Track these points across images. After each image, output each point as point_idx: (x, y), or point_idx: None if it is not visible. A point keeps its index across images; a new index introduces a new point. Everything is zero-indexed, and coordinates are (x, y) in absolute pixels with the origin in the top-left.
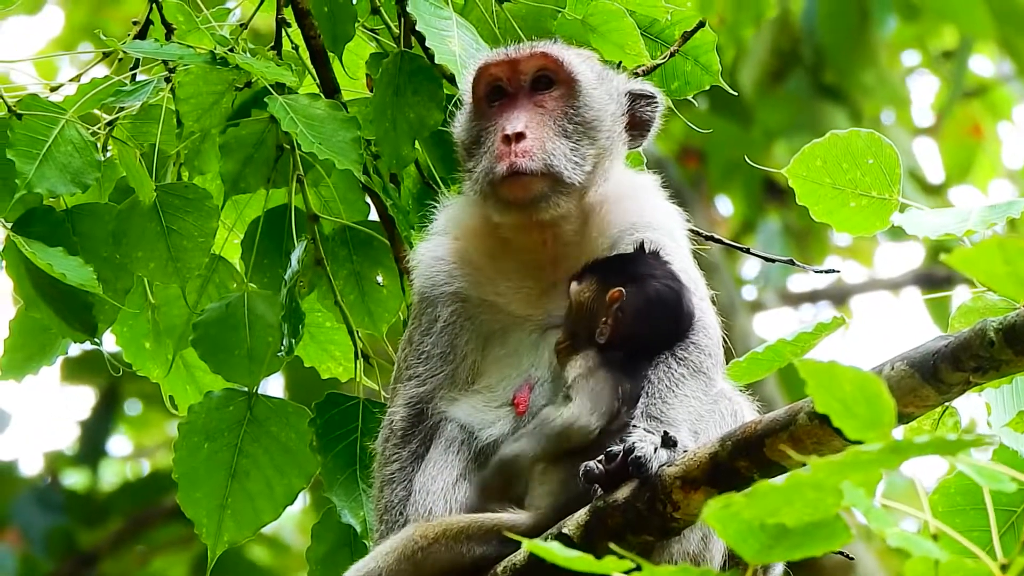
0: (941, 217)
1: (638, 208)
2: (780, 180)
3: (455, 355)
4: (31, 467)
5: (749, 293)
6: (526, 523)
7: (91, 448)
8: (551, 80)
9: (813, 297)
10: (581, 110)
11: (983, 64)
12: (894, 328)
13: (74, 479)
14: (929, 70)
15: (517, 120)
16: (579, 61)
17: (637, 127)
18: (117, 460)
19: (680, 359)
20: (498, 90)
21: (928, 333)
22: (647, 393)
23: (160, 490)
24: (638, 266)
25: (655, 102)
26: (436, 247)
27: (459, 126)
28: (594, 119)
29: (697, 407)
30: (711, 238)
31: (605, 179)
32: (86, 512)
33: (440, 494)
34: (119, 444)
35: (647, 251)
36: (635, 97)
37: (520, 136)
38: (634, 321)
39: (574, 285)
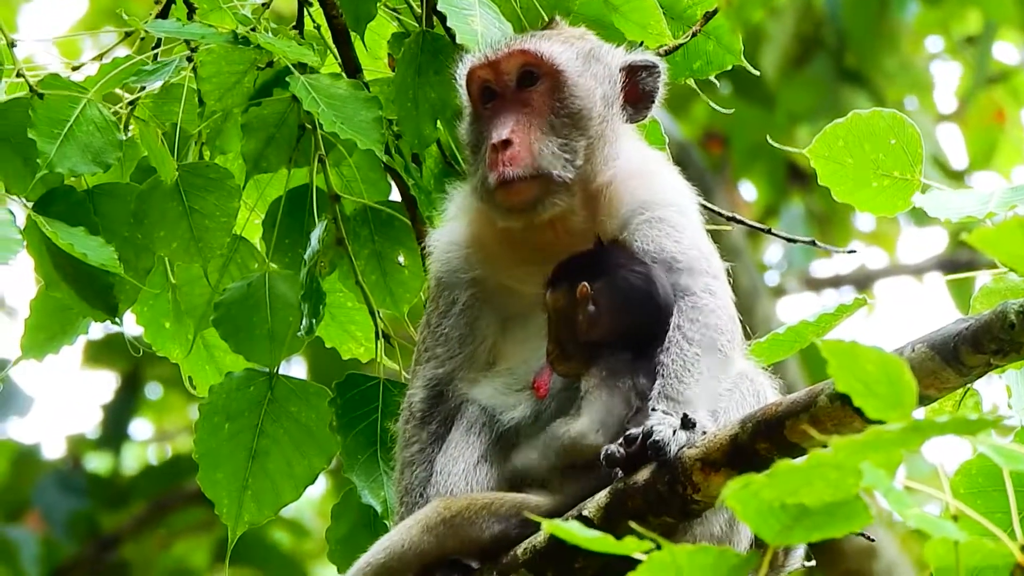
0: (962, 199)
1: (648, 186)
2: (803, 165)
3: (474, 337)
4: (53, 451)
5: (772, 278)
6: (548, 505)
7: (113, 432)
8: (535, 75)
9: (836, 282)
10: (567, 101)
11: (1006, 50)
12: (917, 313)
13: (96, 463)
14: (952, 56)
15: (503, 126)
16: (561, 50)
17: (640, 99)
18: (139, 444)
19: (691, 339)
20: (488, 91)
21: (950, 318)
22: (661, 375)
23: (181, 474)
24: (603, 259)
25: (656, 71)
26: (451, 232)
27: (461, 128)
28: (581, 108)
29: (714, 386)
30: (733, 219)
31: (613, 159)
32: (108, 496)
33: (461, 475)
34: (141, 428)
35: (608, 243)
36: (634, 70)
37: (507, 143)
38: (610, 314)
39: (548, 293)
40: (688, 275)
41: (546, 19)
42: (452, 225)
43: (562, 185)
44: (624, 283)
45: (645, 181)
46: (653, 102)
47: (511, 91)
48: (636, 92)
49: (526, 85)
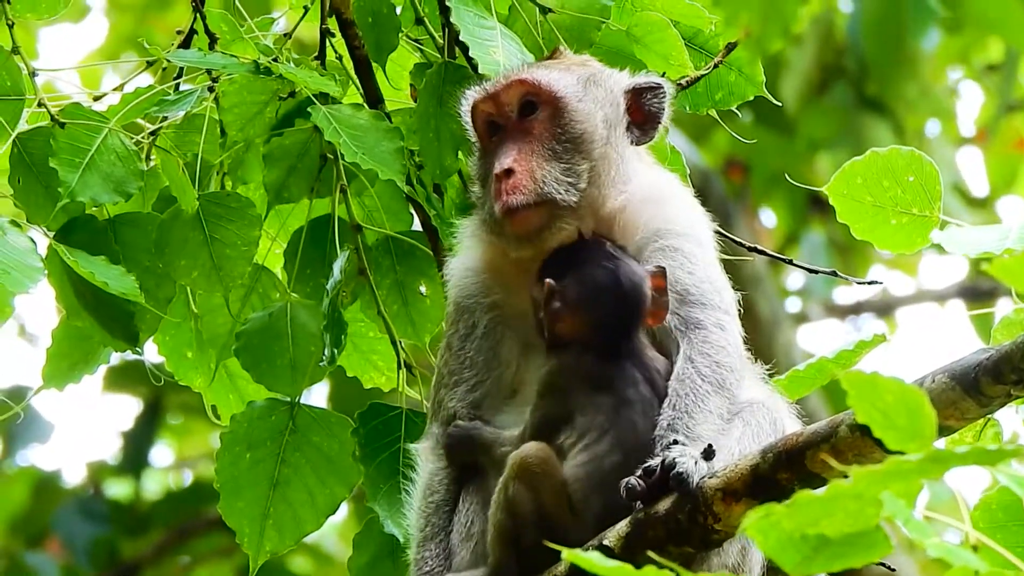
0: (981, 234)
1: (662, 213)
2: (824, 192)
3: (499, 361)
4: (74, 477)
5: (793, 305)
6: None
7: (134, 458)
8: (535, 104)
9: (857, 309)
10: (567, 126)
11: None
12: (939, 340)
13: (117, 489)
14: (975, 81)
15: (506, 156)
16: (559, 77)
17: (647, 120)
18: (160, 470)
19: (703, 375)
20: (493, 124)
21: (973, 345)
22: (673, 406)
23: (202, 500)
24: (577, 255)
25: (661, 92)
26: (467, 259)
27: (471, 163)
28: (582, 132)
29: (720, 424)
30: (754, 249)
31: (624, 182)
32: (129, 522)
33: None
34: (162, 454)
35: (589, 238)
36: (639, 92)
37: (509, 172)
38: (574, 311)
39: (532, 291)
40: (700, 309)
41: (567, 49)
42: (468, 253)
43: (567, 209)
44: (589, 279)
45: (659, 208)
46: (659, 122)
47: (513, 122)
48: (642, 114)
49: (527, 114)
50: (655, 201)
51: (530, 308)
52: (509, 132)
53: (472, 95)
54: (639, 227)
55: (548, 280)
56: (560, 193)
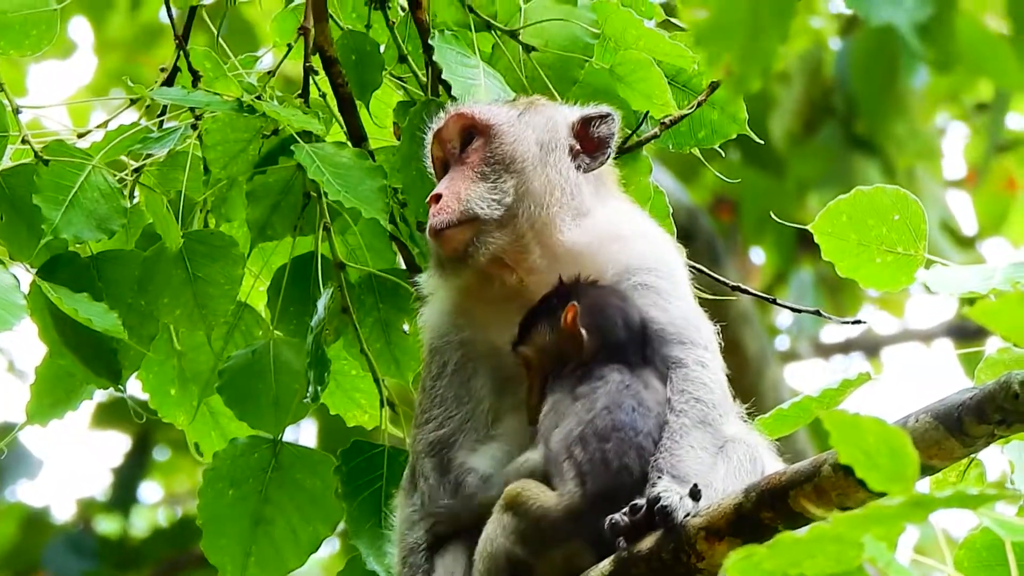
0: (966, 274)
1: (631, 249)
2: (811, 233)
3: (470, 397)
4: (63, 513)
5: (782, 343)
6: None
7: (123, 494)
8: (473, 135)
9: (845, 348)
10: (496, 149)
11: (1018, 119)
12: (926, 379)
13: (106, 525)
14: (963, 121)
15: (440, 185)
16: (496, 108)
17: (597, 148)
18: (148, 507)
19: (682, 411)
20: (445, 165)
21: (960, 385)
22: (659, 447)
23: (190, 537)
24: (570, 291)
25: (609, 119)
26: (436, 302)
27: None
28: (510, 152)
29: (705, 458)
30: (738, 288)
31: (581, 213)
32: (117, 558)
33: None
34: (150, 490)
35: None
36: (587, 121)
37: (438, 198)
38: (599, 323)
39: (524, 349)
40: (679, 347)
41: (551, 88)
42: (435, 297)
43: (492, 223)
44: (599, 301)
45: (627, 244)
46: (608, 148)
47: (457, 156)
48: (592, 142)
49: (467, 146)
50: (622, 237)
51: (501, 344)
52: (452, 166)
53: (428, 142)
54: (608, 264)
55: (572, 304)
56: (483, 209)
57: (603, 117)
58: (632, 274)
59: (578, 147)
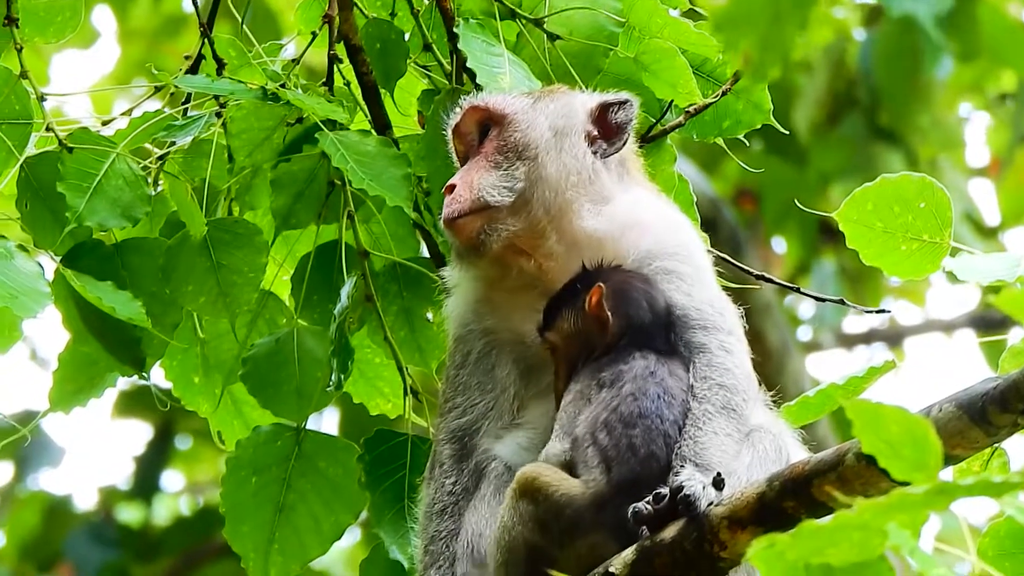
0: (992, 262)
1: (652, 234)
2: (835, 222)
3: (494, 385)
4: (85, 502)
5: (804, 333)
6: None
7: (145, 483)
8: (489, 126)
9: (867, 338)
10: (509, 137)
11: None
12: (949, 369)
13: (128, 514)
14: (987, 111)
15: (455, 176)
16: (511, 98)
17: (615, 134)
18: (170, 495)
19: (703, 398)
20: (466, 159)
21: (982, 374)
22: (683, 434)
23: (212, 526)
24: (593, 276)
25: (628, 105)
26: (460, 292)
27: None
28: (522, 139)
29: (729, 445)
30: (762, 277)
31: (600, 199)
32: (139, 547)
33: (490, 536)
34: (172, 479)
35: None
36: (606, 107)
37: (451, 188)
38: (624, 305)
39: (549, 335)
40: (703, 332)
41: (576, 77)
42: (459, 289)
43: (503, 211)
44: (624, 283)
45: (649, 230)
46: (625, 133)
47: (475, 149)
48: (609, 128)
49: (484, 138)
50: (643, 223)
51: (524, 332)
52: (470, 158)
53: (448, 138)
54: (629, 250)
55: (598, 285)
56: (493, 196)
57: (622, 103)
58: (653, 259)
59: (595, 133)
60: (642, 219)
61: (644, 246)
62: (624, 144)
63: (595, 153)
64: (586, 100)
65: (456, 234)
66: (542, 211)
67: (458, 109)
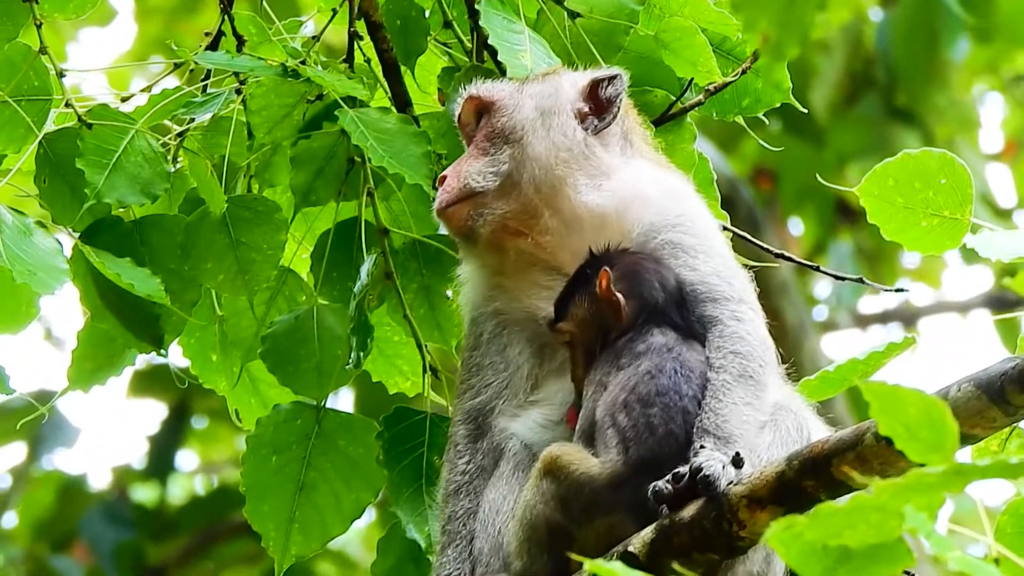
0: (1013, 239)
1: (655, 206)
2: (852, 202)
3: (507, 364)
4: (100, 481)
5: (820, 313)
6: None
7: (160, 463)
8: (483, 114)
9: (883, 318)
10: (496, 122)
11: None
12: (964, 350)
13: (143, 494)
14: (1001, 93)
15: (448, 168)
16: (500, 84)
17: (606, 109)
18: (185, 475)
19: (720, 368)
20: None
21: (998, 355)
22: (703, 407)
23: (228, 505)
24: (600, 260)
25: (616, 80)
26: (469, 277)
27: None
28: (508, 122)
29: (749, 414)
30: (781, 255)
31: (600, 174)
32: (154, 527)
33: (510, 514)
34: (187, 459)
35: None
36: (597, 84)
37: (443, 179)
38: (637, 286)
39: (563, 325)
40: (712, 304)
41: (596, 55)
42: (467, 274)
43: (488, 195)
44: (634, 265)
45: (652, 202)
46: (615, 107)
47: (472, 138)
48: (602, 104)
49: (479, 126)
50: (645, 195)
51: (534, 311)
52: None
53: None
54: (634, 223)
55: (603, 269)
56: (478, 182)
57: (611, 78)
58: (658, 232)
59: (587, 110)
60: (645, 191)
61: (647, 218)
62: (614, 118)
63: (587, 129)
64: (576, 78)
65: (447, 222)
66: (532, 190)
67: (458, 101)
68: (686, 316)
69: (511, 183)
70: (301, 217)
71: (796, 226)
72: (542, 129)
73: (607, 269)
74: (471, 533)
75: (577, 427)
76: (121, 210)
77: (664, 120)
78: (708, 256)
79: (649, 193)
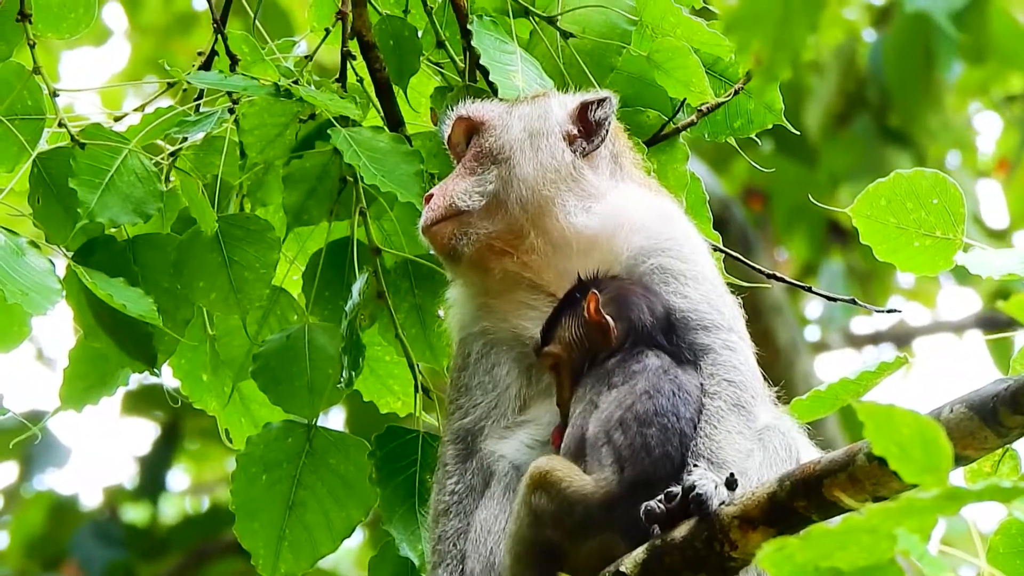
0: (1005, 258)
1: (645, 231)
2: (844, 222)
3: (495, 384)
4: (91, 501)
5: (812, 334)
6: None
7: (151, 482)
8: (471, 135)
9: (876, 339)
10: (483, 143)
11: None
12: (957, 370)
13: (134, 513)
14: (994, 112)
15: (435, 187)
16: (490, 104)
17: (595, 131)
18: (176, 495)
19: (714, 394)
20: None
21: (991, 376)
22: (697, 433)
23: (219, 525)
24: (587, 286)
25: (606, 102)
26: (456, 300)
27: None
28: (497, 143)
29: (742, 443)
30: (773, 276)
31: (589, 196)
32: (145, 546)
33: (501, 534)
34: (178, 479)
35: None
36: (586, 107)
37: (429, 198)
38: (625, 309)
39: (551, 348)
40: (704, 332)
41: (589, 75)
42: (455, 296)
43: (475, 214)
44: (622, 289)
45: (641, 225)
46: (604, 130)
47: (461, 158)
48: (591, 127)
49: (468, 146)
50: (634, 218)
51: (521, 331)
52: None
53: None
54: (622, 246)
55: (591, 293)
56: (464, 201)
57: (600, 101)
58: (648, 256)
59: (576, 132)
60: (633, 214)
61: (637, 242)
62: (603, 140)
63: (575, 152)
64: (566, 101)
65: (431, 240)
66: (519, 210)
67: (447, 122)
68: (674, 342)
69: (497, 203)
70: (293, 236)
71: (781, 256)
72: (530, 150)
73: (595, 292)
74: (461, 553)
75: (562, 445)
76: (114, 229)
77: (657, 140)
78: (698, 282)
79: (638, 217)
